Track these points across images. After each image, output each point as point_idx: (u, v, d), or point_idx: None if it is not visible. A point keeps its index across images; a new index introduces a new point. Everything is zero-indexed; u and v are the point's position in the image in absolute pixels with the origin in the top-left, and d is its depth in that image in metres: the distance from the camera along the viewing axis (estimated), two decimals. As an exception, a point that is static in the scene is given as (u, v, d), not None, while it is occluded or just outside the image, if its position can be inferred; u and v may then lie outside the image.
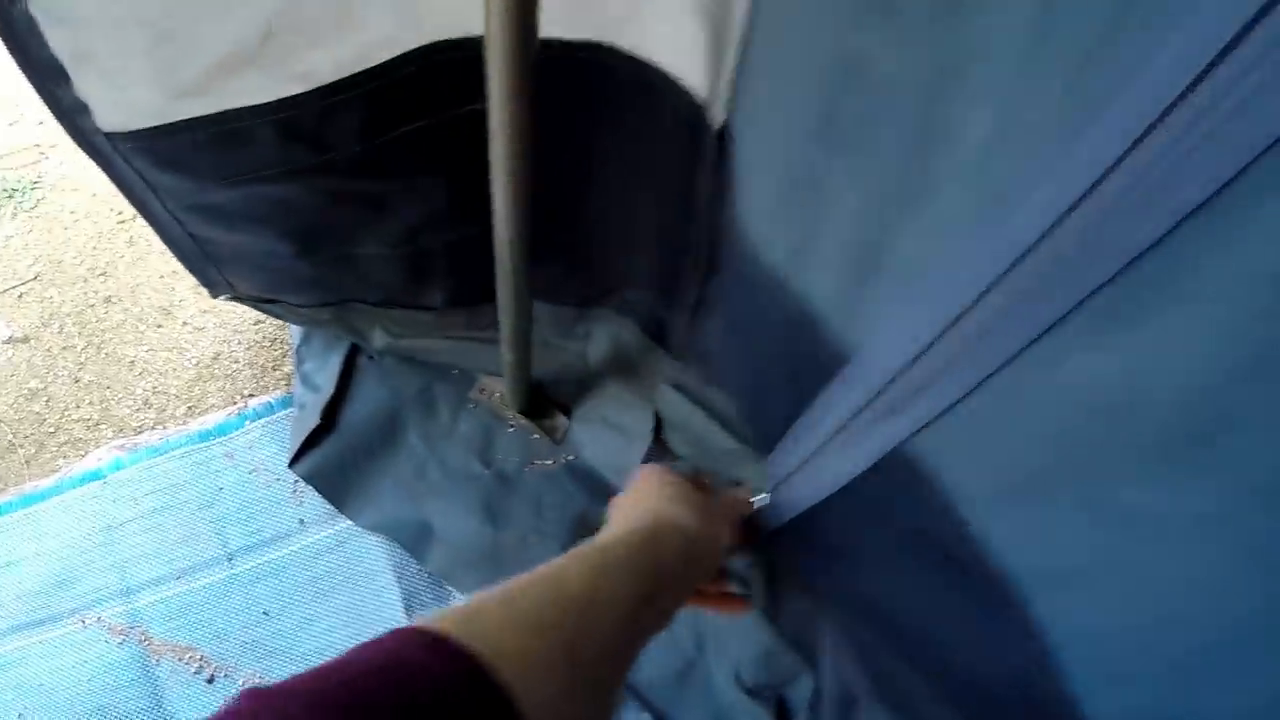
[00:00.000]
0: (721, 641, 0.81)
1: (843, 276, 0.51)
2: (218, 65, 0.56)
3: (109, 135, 0.62)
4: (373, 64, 0.58)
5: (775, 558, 0.82)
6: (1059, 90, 0.30)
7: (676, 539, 0.50)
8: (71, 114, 0.61)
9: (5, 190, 1.31)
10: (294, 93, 0.58)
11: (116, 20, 0.52)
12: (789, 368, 0.63)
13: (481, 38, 0.47)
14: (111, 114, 0.60)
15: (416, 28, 0.57)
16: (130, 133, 0.61)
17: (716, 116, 0.55)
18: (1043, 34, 0.30)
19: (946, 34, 0.34)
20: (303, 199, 0.69)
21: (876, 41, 0.39)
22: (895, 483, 0.51)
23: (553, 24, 0.52)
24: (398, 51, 0.58)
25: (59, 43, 0.55)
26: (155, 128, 0.60)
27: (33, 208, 1.28)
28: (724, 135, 0.55)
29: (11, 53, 0.57)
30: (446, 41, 0.58)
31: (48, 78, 0.58)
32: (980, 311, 0.36)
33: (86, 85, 0.58)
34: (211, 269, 0.83)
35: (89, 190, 1.28)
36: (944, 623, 0.57)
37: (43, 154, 1.35)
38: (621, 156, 0.67)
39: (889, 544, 0.59)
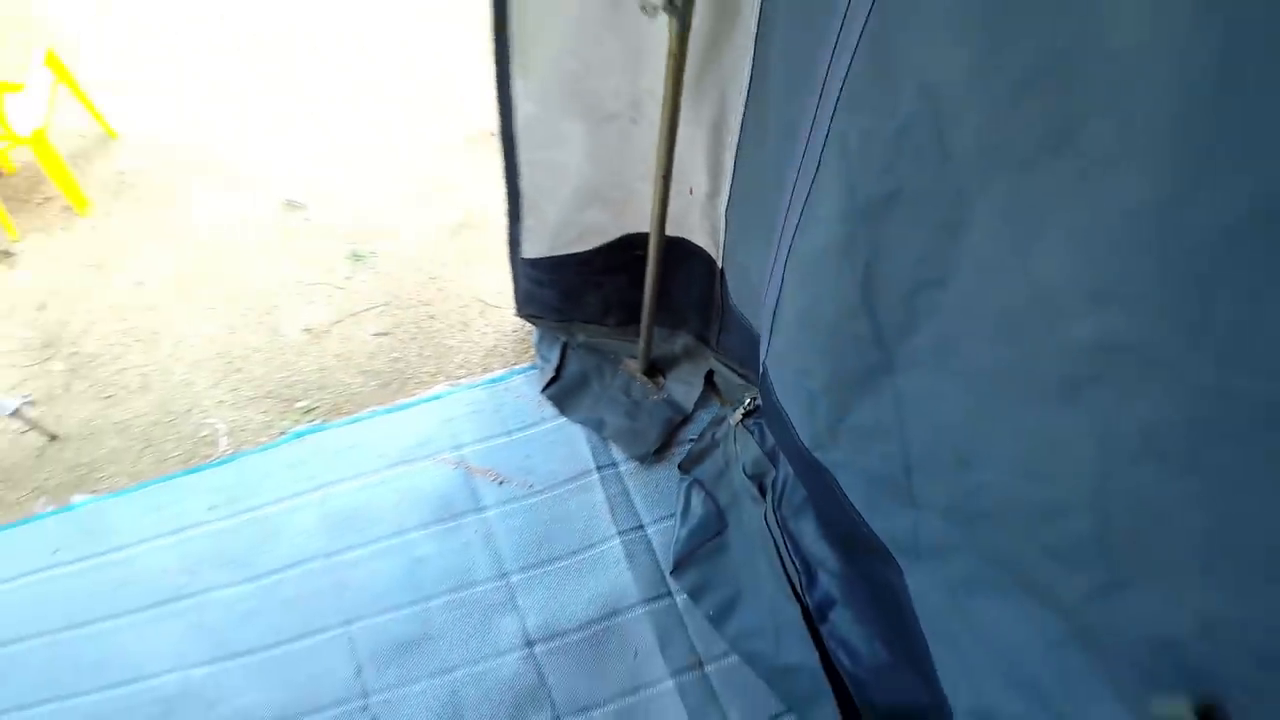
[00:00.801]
0: (738, 458, 1.98)
1: (759, 318, 1.73)
2: (562, 242, 1.80)
3: (523, 259, 1.86)
4: (609, 240, 1.82)
5: (762, 421, 2.00)
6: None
7: None
8: (517, 253, 1.86)
9: (356, 255, 2.56)
10: (583, 250, 1.82)
11: (544, 238, 1.77)
12: (754, 353, 1.84)
13: (646, 233, 1.69)
14: (528, 252, 1.84)
15: (621, 230, 1.80)
16: (529, 259, 1.85)
17: (719, 265, 1.77)
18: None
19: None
20: (574, 281, 1.93)
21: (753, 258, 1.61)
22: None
23: (671, 230, 1.74)
24: (616, 236, 1.81)
25: (525, 239, 1.80)
26: (536, 259, 1.84)
27: (374, 267, 2.53)
28: (721, 274, 1.77)
29: (510, 248, 1.83)
30: (629, 234, 1.81)
31: (516, 249, 1.83)
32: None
33: (525, 247, 1.83)
34: (524, 304, 2.08)
35: (407, 259, 2.52)
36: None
37: (378, 236, 2.60)
38: (688, 274, 1.88)
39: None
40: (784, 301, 1.43)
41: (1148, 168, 0.67)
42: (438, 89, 2.96)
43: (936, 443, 1.21)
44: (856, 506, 1.52)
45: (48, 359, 2.29)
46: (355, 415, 2.15)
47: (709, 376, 2.13)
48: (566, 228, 1.75)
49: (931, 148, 0.92)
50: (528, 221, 1.75)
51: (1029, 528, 1.00)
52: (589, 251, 1.83)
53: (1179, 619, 0.80)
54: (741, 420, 1.98)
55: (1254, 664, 0.74)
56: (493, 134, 2.49)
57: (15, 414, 2.14)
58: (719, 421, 2.05)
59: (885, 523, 1.47)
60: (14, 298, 2.45)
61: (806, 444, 1.58)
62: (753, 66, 1.38)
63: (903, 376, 1.21)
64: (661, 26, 1.31)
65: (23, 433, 2.16)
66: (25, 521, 2.08)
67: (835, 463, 1.53)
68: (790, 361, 1.50)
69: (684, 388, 2.13)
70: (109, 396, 2.18)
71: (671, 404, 2.11)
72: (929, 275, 1.03)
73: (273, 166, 2.76)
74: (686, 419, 2.10)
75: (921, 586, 1.42)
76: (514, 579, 1.92)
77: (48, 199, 2.68)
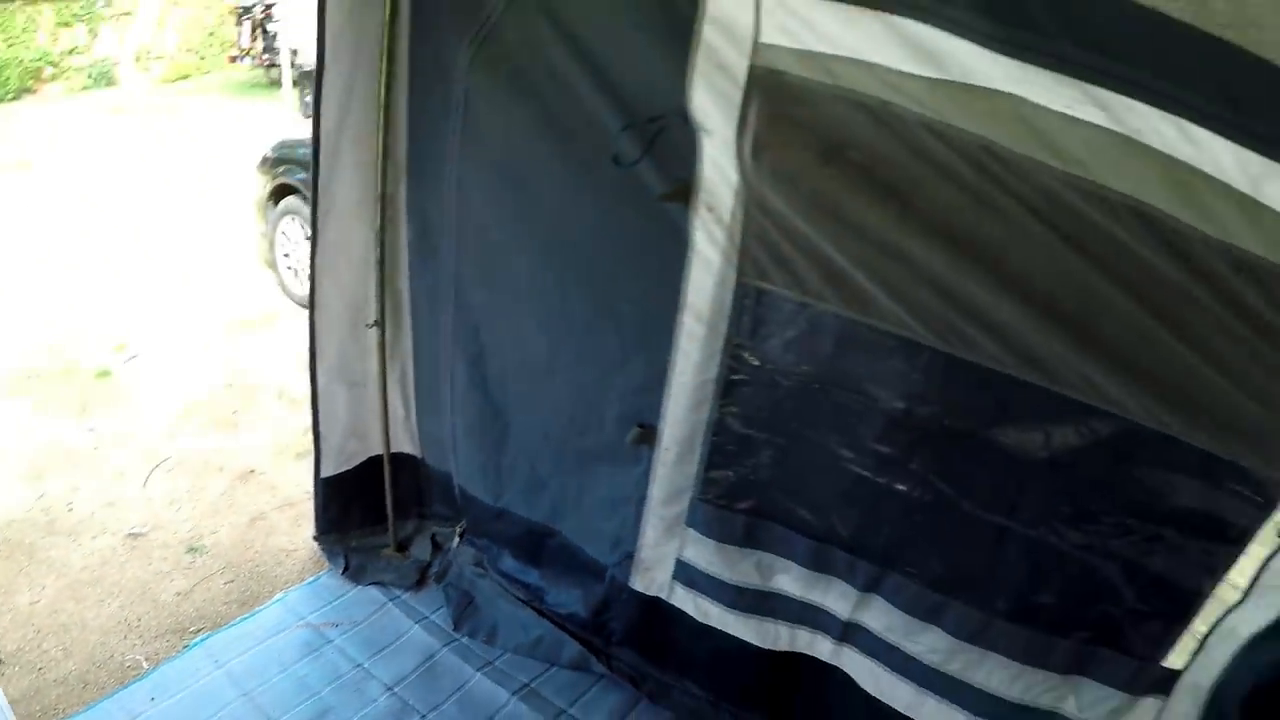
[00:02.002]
0: (465, 562, 3.73)
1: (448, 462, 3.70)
2: (340, 462, 3.64)
3: (322, 479, 3.61)
4: (361, 460, 3.68)
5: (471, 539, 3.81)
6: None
7: None
8: (319, 475, 3.62)
9: (193, 548, 3.96)
10: (349, 468, 3.63)
11: (331, 460, 3.61)
12: (452, 504, 3.74)
13: (380, 454, 3.62)
14: (325, 472, 3.60)
15: (366, 454, 3.67)
16: (325, 478, 3.57)
17: (421, 456, 3.74)
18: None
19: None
20: (347, 493, 3.70)
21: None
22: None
23: (394, 448, 3.69)
24: (365, 458, 3.69)
25: (323, 462, 3.62)
26: (328, 477, 3.59)
27: (208, 552, 3.94)
28: (423, 460, 3.72)
29: (315, 473, 3.62)
30: (371, 456, 3.66)
31: (319, 470, 3.62)
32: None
33: (323, 467, 3.61)
34: (320, 522, 3.75)
35: (227, 543, 3.96)
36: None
37: (204, 535, 4.03)
38: (406, 475, 3.72)
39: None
40: (458, 437, 3.44)
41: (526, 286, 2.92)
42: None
43: (535, 437, 3.25)
44: (525, 515, 3.39)
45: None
46: (232, 621, 3.54)
47: (433, 537, 3.93)
48: (340, 453, 3.51)
49: (493, 336, 3.12)
50: (324, 449, 3.51)
51: (562, 413, 3.04)
52: (352, 469, 3.63)
53: (613, 395, 2.83)
54: (458, 542, 3.80)
55: (635, 393, 2.84)
56: (253, 471, 4.25)
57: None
58: (448, 551, 3.83)
59: (537, 510, 3.31)
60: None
61: (491, 503, 3.47)
62: (414, 344, 3.51)
63: (512, 423, 3.26)
64: (374, 333, 3.40)
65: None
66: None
67: (508, 502, 3.40)
68: (469, 463, 3.46)
69: (419, 549, 3.86)
70: (40, 669, 3.24)
71: (417, 560, 3.85)
72: (503, 374, 3.16)
73: (108, 514, 4.10)
74: (429, 564, 3.84)
75: (565, 524, 3.33)
76: (366, 664, 3.40)
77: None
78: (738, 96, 2.19)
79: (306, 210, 5.55)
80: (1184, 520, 2.30)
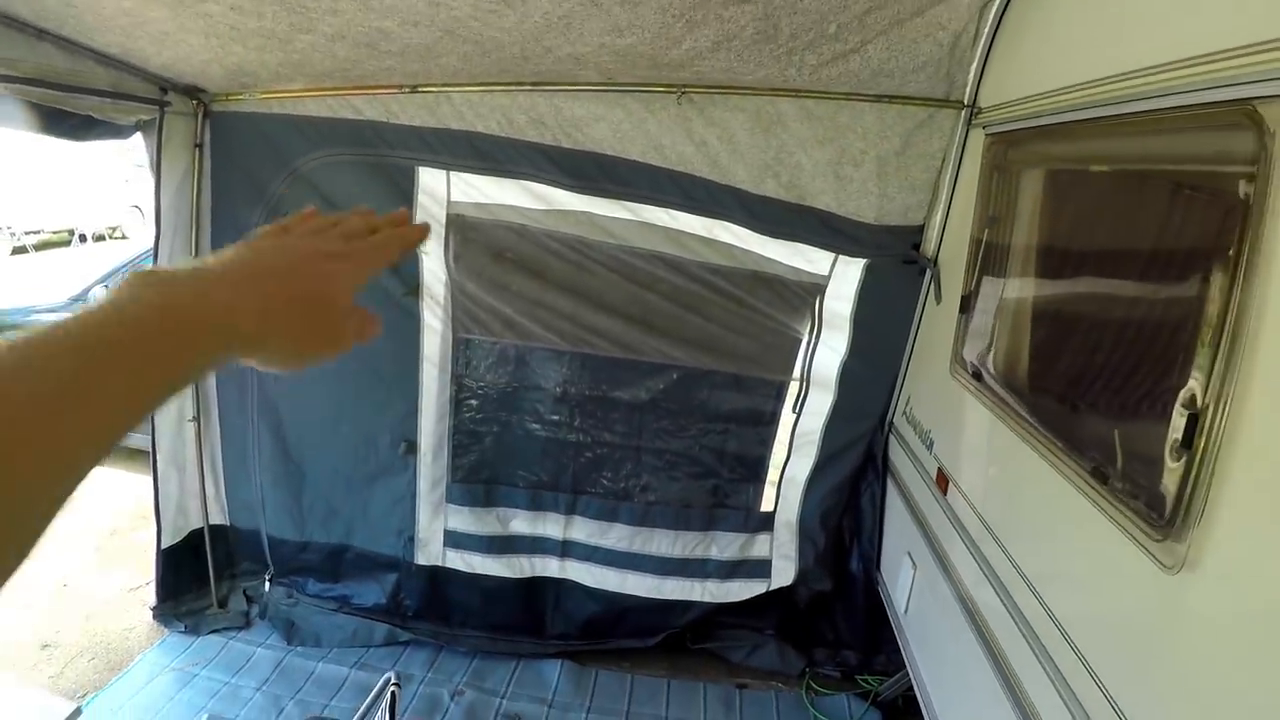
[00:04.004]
0: (279, 598, 5.25)
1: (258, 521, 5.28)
2: (172, 534, 5.09)
3: (162, 550, 5.04)
4: (187, 532, 5.12)
5: (281, 580, 5.36)
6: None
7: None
8: (160, 547, 5.03)
9: (44, 644, 5.10)
10: (178, 541, 5.04)
11: (168, 533, 5.07)
12: (258, 555, 5.30)
13: (201, 526, 5.13)
14: (164, 544, 5.03)
15: (189, 527, 5.15)
16: (164, 549, 5.03)
17: (228, 523, 5.28)
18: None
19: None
20: (178, 562, 5.14)
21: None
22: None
23: (212, 521, 5.20)
24: (189, 531, 5.16)
25: (163, 536, 5.05)
26: (167, 548, 5.02)
27: (59, 644, 5.08)
28: (233, 526, 5.25)
29: (157, 546, 5.03)
30: (194, 529, 5.16)
31: (160, 543, 5.03)
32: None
33: (163, 540, 5.03)
34: (159, 592, 5.12)
35: (77, 634, 5.11)
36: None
37: (51, 632, 5.13)
38: (220, 542, 5.27)
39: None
40: (265, 493, 4.88)
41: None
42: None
43: (327, 476, 4.77)
44: (325, 540, 4.82)
45: None
46: (110, 682, 4.64)
47: (244, 591, 5.35)
48: (172, 526, 4.86)
49: (290, 408, 4.81)
50: (162, 524, 4.82)
51: (347, 451, 4.66)
52: (181, 541, 5.01)
53: (384, 427, 4.51)
54: (269, 587, 5.29)
55: (399, 421, 4.68)
56: (65, 584, 5.51)
57: None
58: (262, 597, 5.16)
59: (335, 533, 4.72)
60: None
61: (297, 538, 4.84)
62: (221, 431, 5.01)
63: (308, 471, 4.81)
64: (193, 426, 4.94)
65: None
66: None
67: (310, 534, 4.79)
68: (277, 511, 4.87)
69: (236, 603, 5.14)
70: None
71: (238, 611, 5.20)
72: (299, 434, 4.78)
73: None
74: (249, 612, 5.24)
75: (357, 537, 4.81)
76: (232, 680, 4.57)
77: None
78: (442, 231, 4.11)
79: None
80: (738, 416, 4.38)
